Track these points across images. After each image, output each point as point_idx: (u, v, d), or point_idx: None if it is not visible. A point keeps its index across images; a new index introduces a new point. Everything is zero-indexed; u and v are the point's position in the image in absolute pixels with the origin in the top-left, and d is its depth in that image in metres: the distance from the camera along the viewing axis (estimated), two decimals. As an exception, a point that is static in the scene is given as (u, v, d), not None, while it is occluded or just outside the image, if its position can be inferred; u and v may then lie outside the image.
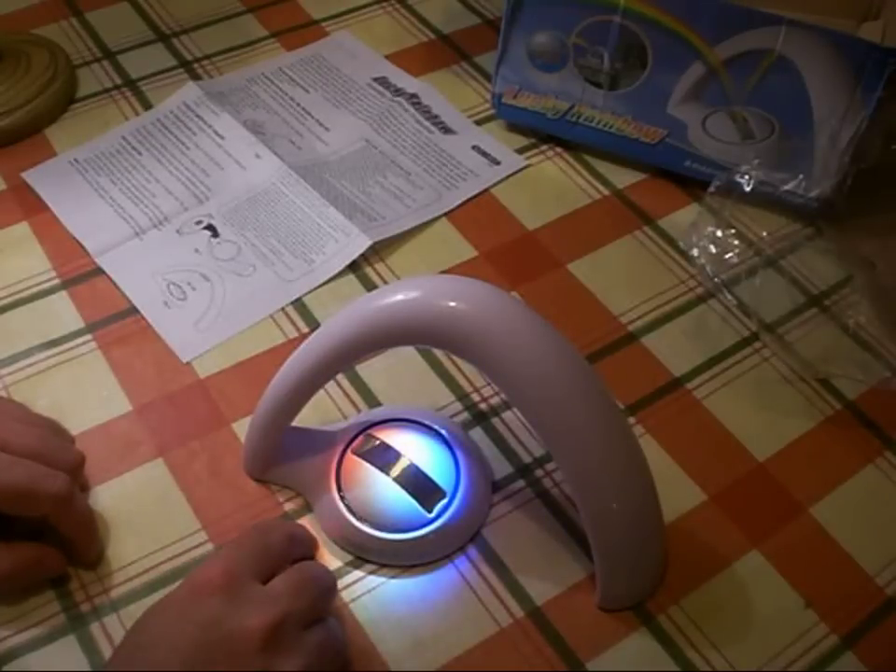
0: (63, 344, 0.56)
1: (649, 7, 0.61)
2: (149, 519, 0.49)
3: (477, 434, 0.53)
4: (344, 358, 0.46)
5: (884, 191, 0.63)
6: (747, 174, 0.60)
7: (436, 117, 0.71)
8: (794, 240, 0.64)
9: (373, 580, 0.47)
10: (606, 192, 0.67)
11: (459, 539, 0.49)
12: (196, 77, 0.73)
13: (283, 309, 0.59)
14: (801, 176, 0.61)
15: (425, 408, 0.53)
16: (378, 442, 0.50)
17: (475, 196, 0.66)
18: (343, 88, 0.73)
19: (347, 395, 0.55)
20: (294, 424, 0.49)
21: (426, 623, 0.46)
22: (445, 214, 0.65)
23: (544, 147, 0.69)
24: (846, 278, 0.62)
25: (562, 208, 0.65)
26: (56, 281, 0.59)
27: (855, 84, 0.59)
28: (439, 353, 0.57)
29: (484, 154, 0.69)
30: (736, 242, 0.61)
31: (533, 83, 0.67)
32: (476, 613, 0.47)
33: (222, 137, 0.68)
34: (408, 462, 0.49)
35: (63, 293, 0.59)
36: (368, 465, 0.49)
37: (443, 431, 0.51)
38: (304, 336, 0.54)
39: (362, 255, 0.61)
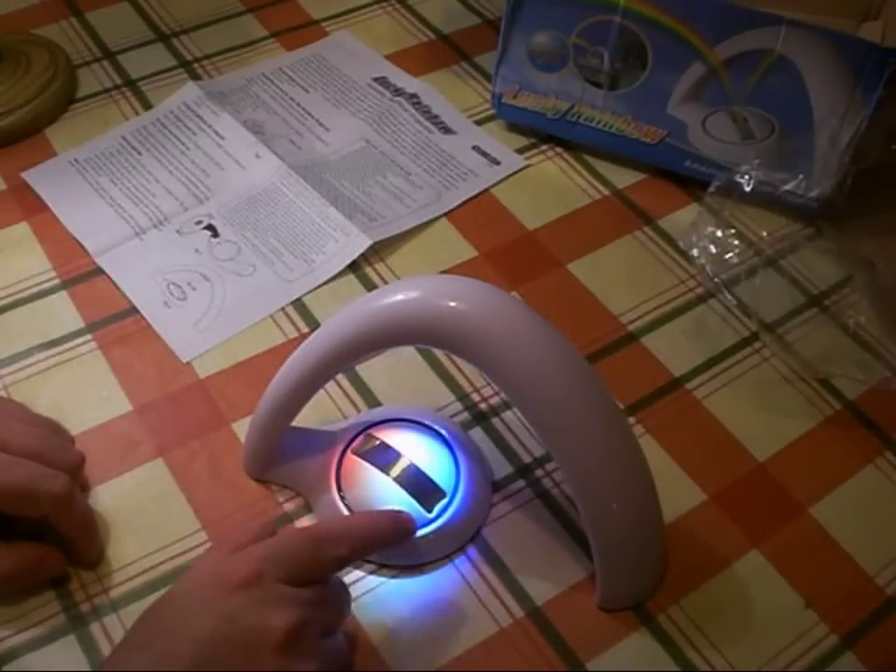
0: (63, 344, 0.56)
1: (649, 7, 0.61)
2: (149, 519, 0.49)
3: (477, 434, 0.53)
4: (344, 358, 0.46)
5: (884, 191, 0.63)
6: (747, 174, 0.60)
7: (436, 117, 0.71)
8: (794, 240, 0.64)
9: (373, 580, 0.47)
10: (606, 192, 0.67)
11: (459, 539, 0.49)
12: (196, 77, 0.73)
13: (283, 309, 0.59)
14: (801, 176, 0.61)
15: (425, 408, 0.53)
16: (378, 442, 0.50)
17: (475, 196, 0.66)
18: (343, 88, 0.73)
19: (347, 395, 0.55)
20: (294, 424, 0.49)
21: (426, 623, 0.46)
22: (445, 214, 0.65)
23: (544, 147, 0.69)
24: (846, 278, 0.62)
25: (562, 208, 0.65)
26: (56, 281, 0.59)
27: (855, 84, 0.59)
28: (439, 353, 0.57)
29: (484, 154, 0.69)
30: (736, 242, 0.61)
31: (533, 83, 0.67)
32: (476, 613, 0.47)
33: (222, 137, 0.68)
34: (408, 462, 0.49)
35: (63, 293, 0.59)
36: (368, 465, 0.49)
37: (443, 431, 0.51)
38: (304, 336, 0.54)
39: (362, 255, 0.61)
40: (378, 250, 0.62)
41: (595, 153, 0.69)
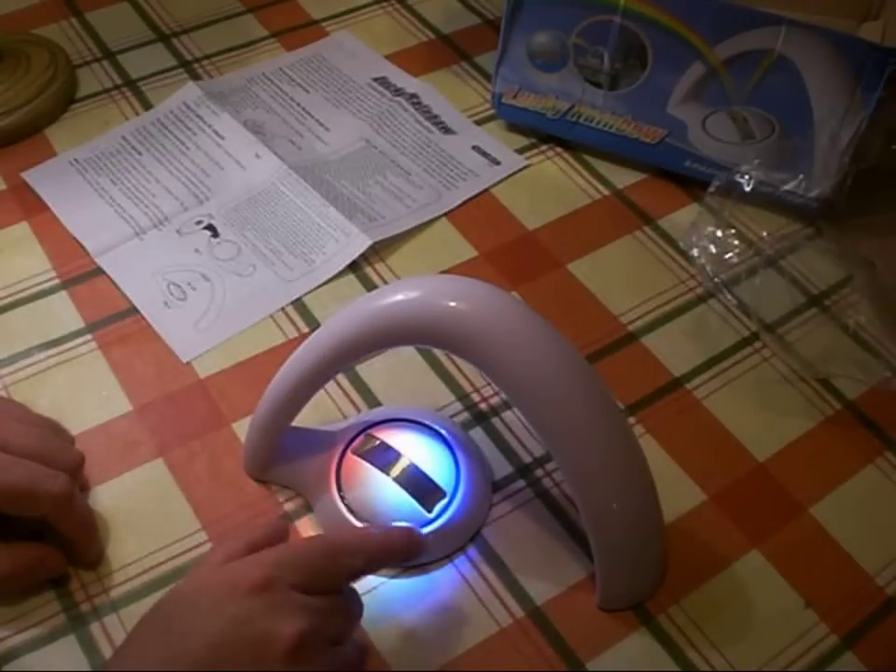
0: (63, 344, 0.56)
1: (649, 6, 0.61)
2: (149, 519, 0.49)
3: (477, 434, 0.53)
4: (344, 358, 0.46)
5: (884, 191, 0.63)
6: (747, 174, 0.60)
7: (436, 117, 0.71)
8: (794, 240, 0.64)
9: (373, 580, 0.47)
10: (606, 192, 0.67)
11: (459, 539, 0.49)
12: (196, 77, 0.73)
13: (283, 309, 0.59)
14: (801, 176, 0.61)
15: (425, 408, 0.53)
16: (378, 442, 0.50)
17: (475, 196, 0.66)
18: (343, 88, 0.73)
19: (347, 395, 0.55)
20: (294, 424, 0.49)
21: (426, 623, 0.46)
22: (445, 214, 0.65)
23: (544, 147, 0.69)
24: (846, 278, 0.62)
25: (562, 208, 0.65)
26: (56, 281, 0.59)
27: (855, 84, 0.59)
28: (439, 353, 0.57)
29: (484, 154, 0.69)
30: (736, 242, 0.61)
31: (533, 83, 0.67)
32: (476, 613, 0.47)
33: (222, 137, 0.68)
34: (408, 462, 0.49)
35: (63, 293, 0.59)
36: (368, 465, 0.49)
37: (443, 431, 0.51)
38: (304, 336, 0.54)
39: (362, 255, 0.61)
40: (378, 250, 0.62)
41: (595, 153, 0.69)
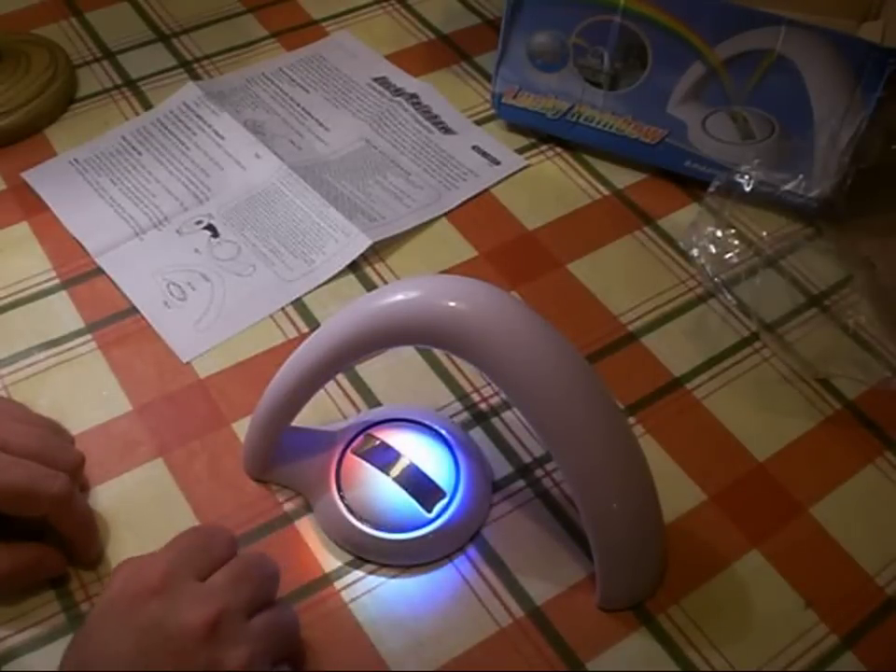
0: (63, 344, 0.56)
1: (649, 6, 0.61)
2: (149, 519, 0.49)
3: (477, 434, 0.53)
4: (344, 358, 0.46)
5: (884, 191, 0.63)
6: (747, 174, 0.60)
7: (436, 117, 0.71)
8: (794, 240, 0.64)
9: (373, 580, 0.47)
10: (606, 192, 0.67)
11: (459, 539, 0.49)
12: (196, 77, 0.73)
13: (283, 309, 0.59)
14: (801, 176, 0.61)
15: (425, 408, 0.53)
16: (378, 442, 0.50)
17: (475, 196, 0.66)
18: (343, 88, 0.73)
19: (347, 395, 0.55)
20: (294, 424, 0.49)
21: (426, 623, 0.46)
22: (445, 214, 0.65)
23: (544, 147, 0.69)
24: (846, 278, 0.62)
25: (562, 208, 0.65)
26: (56, 281, 0.59)
27: (855, 84, 0.59)
28: (439, 353, 0.57)
29: (484, 154, 0.69)
30: (736, 242, 0.61)
31: (533, 83, 0.67)
32: (476, 613, 0.47)
33: (222, 137, 0.68)
34: (408, 462, 0.49)
35: (63, 293, 0.59)
36: (368, 465, 0.49)
37: (443, 431, 0.51)
38: (304, 336, 0.54)
39: (362, 255, 0.61)
40: (378, 250, 0.62)
41: (595, 153, 0.69)
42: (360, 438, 0.50)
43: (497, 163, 0.68)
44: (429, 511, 0.48)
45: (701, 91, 0.63)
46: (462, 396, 0.55)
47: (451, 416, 0.54)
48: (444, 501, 0.48)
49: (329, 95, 0.72)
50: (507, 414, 0.54)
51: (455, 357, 0.56)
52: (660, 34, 0.61)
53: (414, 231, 0.63)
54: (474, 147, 0.69)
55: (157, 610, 0.38)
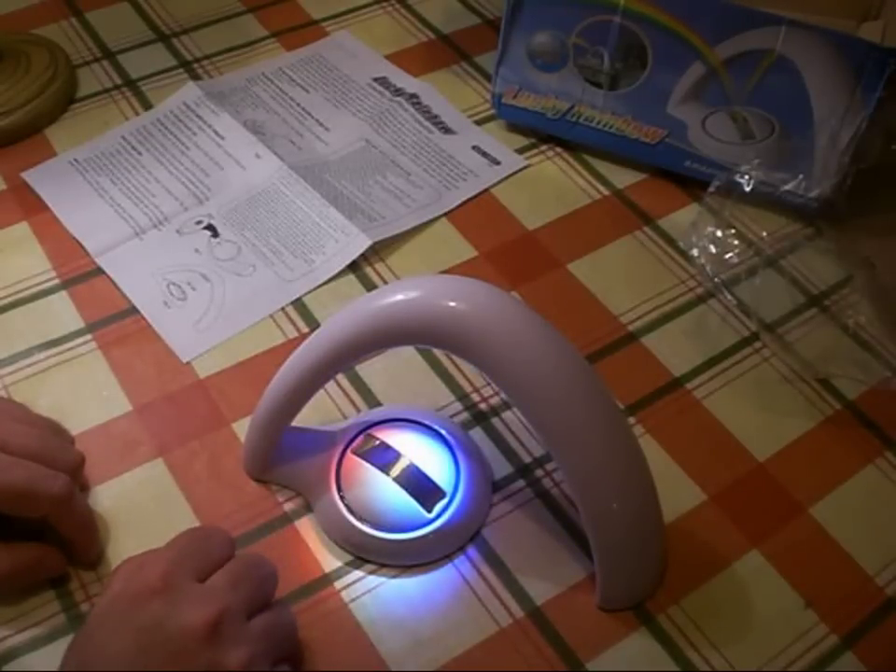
0: (63, 344, 0.56)
1: (649, 6, 0.61)
2: (149, 519, 0.49)
3: (477, 434, 0.53)
4: (344, 358, 0.46)
5: (884, 191, 0.63)
6: (747, 174, 0.60)
7: (436, 117, 0.71)
8: (794, 240, 0.64)
9: (373, 580, 0.47)
10: (606, 192, 0.67)
11: (459, 539, 0.49)
12: (196, 77, 0.73)
13: (283, 309, 0.59)
14: (801, 176, 0.61)
15: (425, 408, 0.53)
16: (378, 442, 0.50)
17: (475, 196, 0.66)
18: (343, 88, 0.73)
19: (347, 395, 0.55)
20: (294, 424, 0.49)
21: (426, 623, 0.46)
22: (445, 214, 0.65)
23: (544, 147, 0.69)
24: (846, 278, 0.62)
25: (562, 208, 0.65)
26: (56, 281, 0.59)
27: (855, 84, 0.59)
28: (439, 353, 0.57)
29: (484, 154, 0.69)
30: (736, 242, 0.61)
31: (533, 83, 0.67)
32: (476, 613, 0.47)
33: (222, 137, 0.68)
34: (408, 462, 0.49)
35: (63, 293, 0.59)
36: (368, 465, 0.49)
37: (443, 431, 0.51)
38: (304, 336, 0.54)
39: (362, 255, 0.61)
40: (378, 250, 0.62)
41: (595, 153, 0.69)
42: (360, 438, 0.50)
43: (497, 163, 0.68)
44: (429, 511, 0.48)
45: (701, 91, 0.63)
46: (462, 396, 0.55)
47: (451, 416, 0.54)
48: (444, 501, 0.48)
49: (329, 95, 0.72)
50: (507, 414, 0.54)
51: (455, 357, 0.56)
52: (660, 34, 0.61)
53: (414, 231, 0.63)
54: (474, 147, 0.69)
55: (157, 611, 0.38)
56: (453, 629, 0.46)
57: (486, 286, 0.44)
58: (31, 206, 0.63)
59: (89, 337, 0.56)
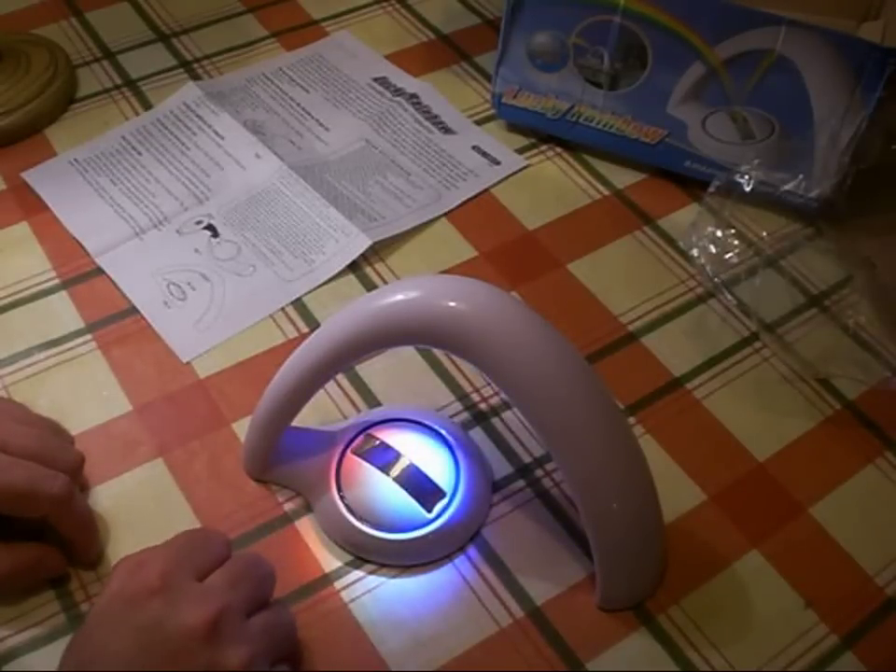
0: (63, 344, 0.56)
1: (649, 6, 0.61)
2: (149, 519, 0.49)
3: (477, 434, 0.53)
4: (344, 358, 0.46)
5: (884, 191, 0.63)
6: (747, 174, 0.60)
7: (436, 117, 0.71)
8: (794, 240, 0.64)
9: (373, 580, 0.47)
10: (606, 192, 0.67)
11: (459, 539, 0.49)
12: (196, 77, 0.73)
13: (283, 309, 0.59)
14: (801, 176, 0.61)
15: (425, 408, 0.53)
16: (378, 442, 0.50)
17: (475, 196, 0.66)
18: (343, 88, 0.73)
19: (347, 395, 0.55)
20: (294, 424, 0.49)
21: (426, 623, 0.46)
22: (445, 214, 0.65)
23: (544, 147, 0.69)
24: (846, 278, 0.62)
25: (562, 208, 0.65)
26: (56, 281, 0.59)
27: (855, 84, 0.59)
28: (439, 353, 0.57)
29: (484, 154, 0.69)
30: (736, 242, 0.61)
31: (533, 83, 0.67)
32: (476, 613, 0.47)
33: (222, 137, 0.68)
34: (408, 462, 0.49)
35: (63, 293, 0.59)
36: (368, 465, 0.49)
37: (443, 431, 0.51)
38: (304, 336, 0.54)
39: (362, 255, 0.61)
40: (378, 250, 0.62)
41: (595, 153, 0.69)
42: (360, 438, 0.50)
43: (497, 163, 0.68)
44: (429, 511, 0.48)
45: (701, 91, 0.63)
46: (462, 396, 0.55)
47: (451, 416, 0.54)
48: (444, 501, 0.48)
49: (329, 95, 0.72)
50: (507, 414, 0.54)
51: (455, 357, 0.56)
52: (660, 34, 0.61)
53: (414, 230, 0.63)
54: (474, 147, 0.69)
55: (157, 610, 0.38)
56: (453, 629, 0.46)
57: (486, 286, 0.44)
58: (31, 206, 0.63)
59: (89, 337, 0.56)
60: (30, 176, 0.65)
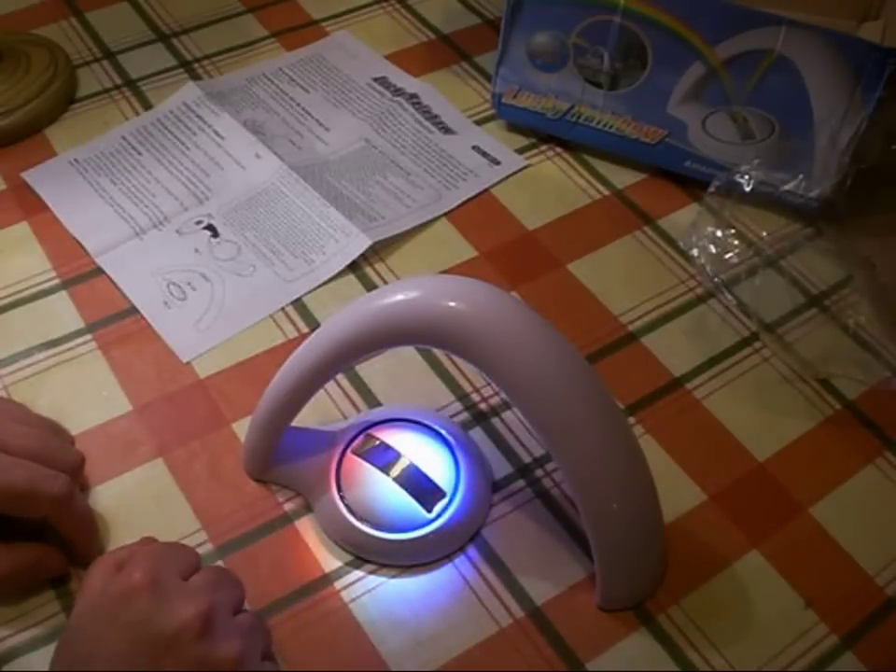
0: (63, 344, 0.56)
1: (649, 6, 0.61)
2: (149, 519, 0.49)
3: (477, 434, 0.53)
4: (344, 358, 0.46)
5: (884, 191, 0.63)
6: (747, 174, 0.60)
7: (436, 117, 0.71)
8: (794, 240, 0.64)
9: (373, 580, 0.47)
10: (606, 192, 0.67)
11: (459, 539, 0.49)
12: (196, 77, 0.73)
13: (283, 309, 0.59)
14: (801, 176, 0.61)
15: (425, 408, 0.53)
16: (378, 442, 0.50)
17: (475, 196, 0.66)
18: (343, 88, 0.73)
19: (347, 395, 0.55)
20: (294, 424, 0.49)
21: (426, 623, 0.46)
22: (445, 214, 0.65)
23: (544, 147, 0.69)
24: (846, 278, 0.62)
25: (562, 208, 0.65)
26: (56, 281, 0.59)
27: (855, 84, 0.59)
28: (439, 353, 0.57)
29: (484, 154, 0.69)
30: (736, 242, 0.61)
31: (533, 83, 0.67)
32: (476, 613, 0.47)
33: (222, 137, 0.68)
34: (408, 462, 0.49)
35: (63, 293, 0.59)
36: (368, 465, 0.49)
37: (443, 431, 0.51)
38: (304, 336, 0.54)
39: (362, 255, 0.61)
40: (378, 250, 0.62)
41: (595, 153, 0.69)
42: (360, 438, 0.50)
43: (497, 163, 0.68)
44: (429, 511, 0.48)
45: (701, 91, 0.63)
46: (462, 396, 0.55)
47: (451, 416, 0.54)
48: (444, 501, 0.48)
49: (329, 95, 0.72)
50: (507, 414, 0.54)
51: (455, 357, 0.56)
52: (660, 34, 0.61)
53: (414, 231, 0.63)
54: (474, 147, 0.69)
55: (147, 607, 0.38)
56: (453, 629, 0.46)
57: (486, 286, 0.44)
58: (31, 206, 0.63)
59: (89, 337, 0.56)
60: (30, 176, 0.65)
